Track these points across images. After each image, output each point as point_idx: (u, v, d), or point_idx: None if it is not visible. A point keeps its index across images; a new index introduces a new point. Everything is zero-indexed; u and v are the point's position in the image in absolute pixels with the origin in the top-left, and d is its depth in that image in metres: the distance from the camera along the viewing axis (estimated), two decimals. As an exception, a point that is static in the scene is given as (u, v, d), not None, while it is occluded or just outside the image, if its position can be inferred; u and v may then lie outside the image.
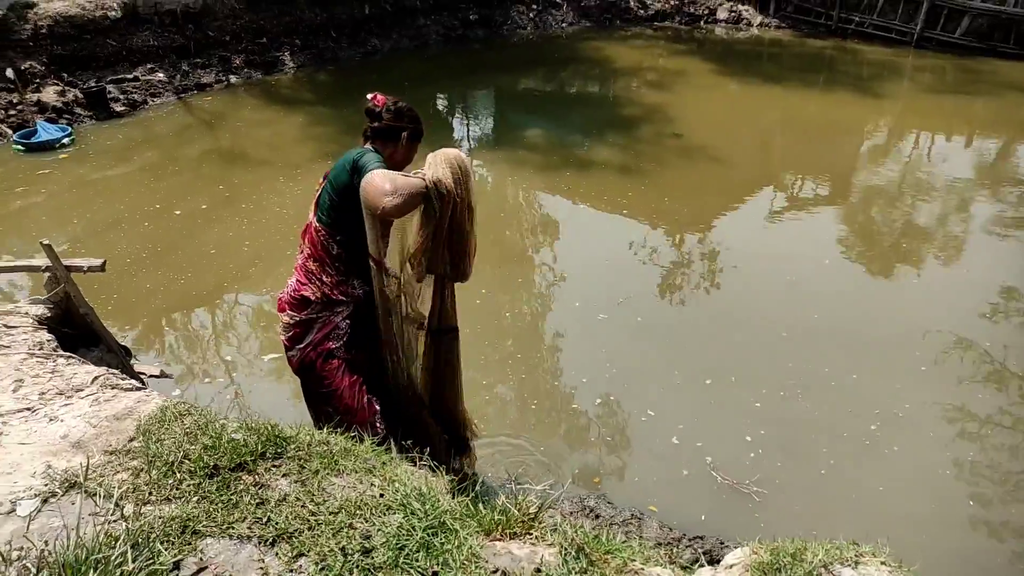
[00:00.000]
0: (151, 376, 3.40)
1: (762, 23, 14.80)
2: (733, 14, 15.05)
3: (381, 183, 2.42)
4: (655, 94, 11.12)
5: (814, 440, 4.15)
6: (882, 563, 1.71)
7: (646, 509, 3.58)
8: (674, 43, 14.10)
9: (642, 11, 15.34)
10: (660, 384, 4.57)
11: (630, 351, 4.93)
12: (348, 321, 2.77)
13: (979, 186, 8.27)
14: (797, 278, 5.95)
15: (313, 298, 2.72)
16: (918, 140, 10.06)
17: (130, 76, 9.80)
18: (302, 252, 2.78)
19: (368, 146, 2.72)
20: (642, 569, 1.76)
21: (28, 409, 2.26)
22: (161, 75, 10.02)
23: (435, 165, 2.55)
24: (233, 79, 10.72)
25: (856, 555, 1.71)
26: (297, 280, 2.78)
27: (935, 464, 4.05)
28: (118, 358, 3.13)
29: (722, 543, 3.44)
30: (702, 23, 15.10)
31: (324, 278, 2.70)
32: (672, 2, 15.44)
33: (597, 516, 3.62)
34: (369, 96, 2.74)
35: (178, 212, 6.74)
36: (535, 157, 8.59)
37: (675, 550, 3.20)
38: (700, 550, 3.25)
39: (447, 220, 2.56)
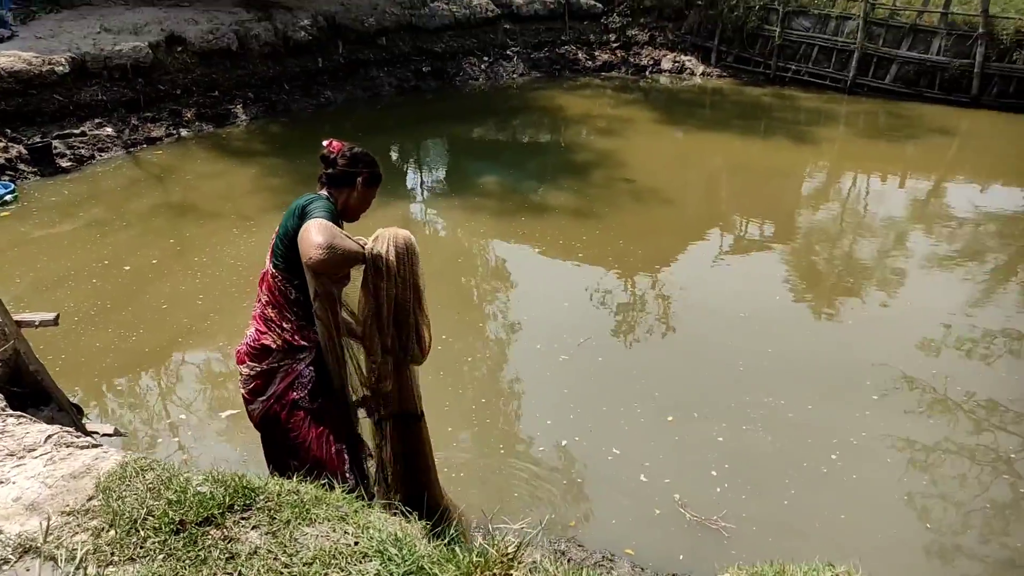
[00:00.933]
0: (104, 435, 3.27)
1: (704, 72, 15.42)
2: (676, 64, 15.65)
3: (316, 234, 2.39)
4: (605, 140, 11.42)
5: (777, 471, 4.21)
6: (857, 585, 1.74)
7: (620, 551, 3.56)
8: (621, 92, 14.56)
9: (589, 62, 15.84)
10: (625, 423, 4.60)
11: (593, 391, 4.96)
12: (312, 368, 2.73)
13: (913, 224, 8.66)
14: (749, 314, 6.10)
15: (274, 346, 2.67)
16: (855, 181, 10.52)
17: (77, 131, 9.63)
18: (259, 300, 2.74)
19: (323, 192, 2.72)
20: (623, 605, 1.76)
21: (-23, 471, 2.15)
22: (109, 129, 9.88)
23: (380, 239, 2.58)
24: (184, 132, 10.63)
25: (834, 575, 1.74)
26: (256, 330, 2.73)
27: (892, 490, 4.15)
28: (70, 417, 3.01)
29: (691, 579, 3.45)
30: (647, 73, 15.65)
31: (284, 324, 2.67)
32: (619, 53, 15.99)
33: (569, 560, 3.59)
34: (324, 143, 2.75)
35: (127, 267, 6.59)
36: (490, 203, 8.69)
37: (649, 590, 3.18)
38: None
39: (387, 298, 2.56)
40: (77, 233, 7.44)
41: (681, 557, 3.56)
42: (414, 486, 2.87)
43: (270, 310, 2.67)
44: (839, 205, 9.50)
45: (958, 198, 9.53)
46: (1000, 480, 4.27)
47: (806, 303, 6.49)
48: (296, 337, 2.66)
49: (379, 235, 2.61)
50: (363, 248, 2.54)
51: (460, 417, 4.62)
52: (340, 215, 2.71)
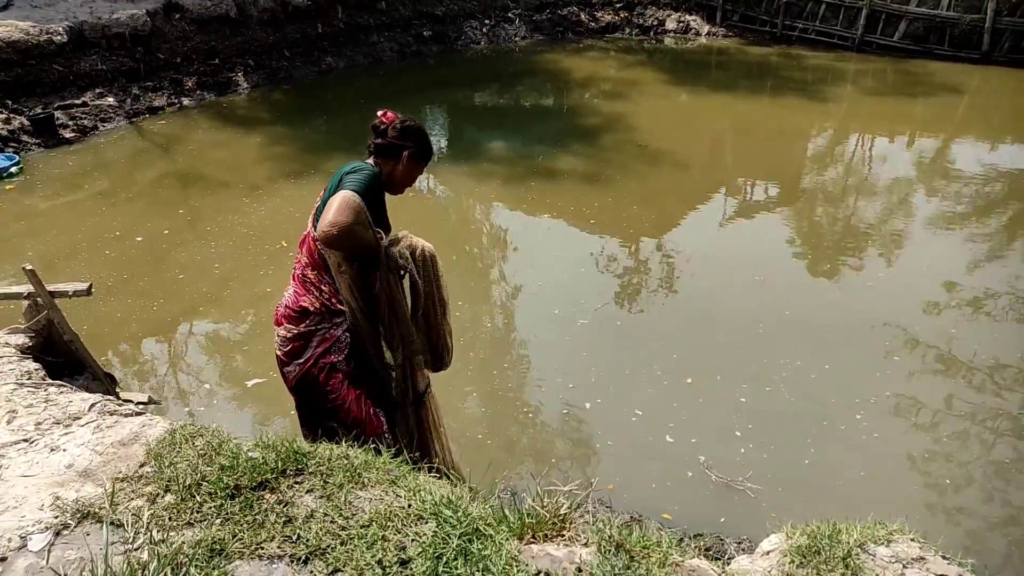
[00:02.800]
0: (139, 403, 3.28)
1: (710, 32, 15.19)
2: (681, 24, 15.41)
3: (335, 211, 2.41)
4: (612, 104, 11.28)
5: (800, 431, 4.24)
6: (911, 540, 1.76)
7: (657, 514, 3.60)
8: (626, 54, 14.35)
9: (593, 24, 15.59)
10: (648, 384, 4.62)
11: (612, 355, 4.97)
12: (348, 334, 2.73)
13: (922, 184, 8.61)
14: (764, 277, 6.09)
15: (312, 308, 2.67)
16: (864, 141, 10.42)
17: (78, 101, 9.51)
18: (299, 262, 2.73)
19: (369, 161, 2.71)
20: (681, 562, 1.77)
21: (25, 440, 2.16)
22: (111, 99, 9.75)
23: (400, 240, 2.65)
24: (186, 101, 10.50)
25: (887, 534, 1.75)
26: (295, 291, 2.72)
27: (913, 447, 4.19)
28: (103, 385, 3.02)
29: (721, 539, 3.49)
30: (652, 34, 15.42)
31: (323, 287, 2.66)
32: (622, 14, 15.73)
33: (595, 520, 3.63)
34: (379, 113, 2.72)
35: (139, 238, 6.55)
36: (499, 169, 8.62)
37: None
38: (702, 545, 3.28)
39: (396, 297, 2.64)
40: (85, 204, 7.39)
41: (723, 520, 3.60)
42: (424, 452, 2.92)
43: (310, 271, 2.66)
44: (847, 166, 9.43)
45: (967, 157, 9.46)
46: (1011, 436, 4.31)
47: (820, 265, 6.48)
48: (334, 300, 2.65)
49: (399, 235, 2.68)
50: (378, 241, 2.57)
51: (481, 383, 4.64)
52: (385, 186, 2.71)
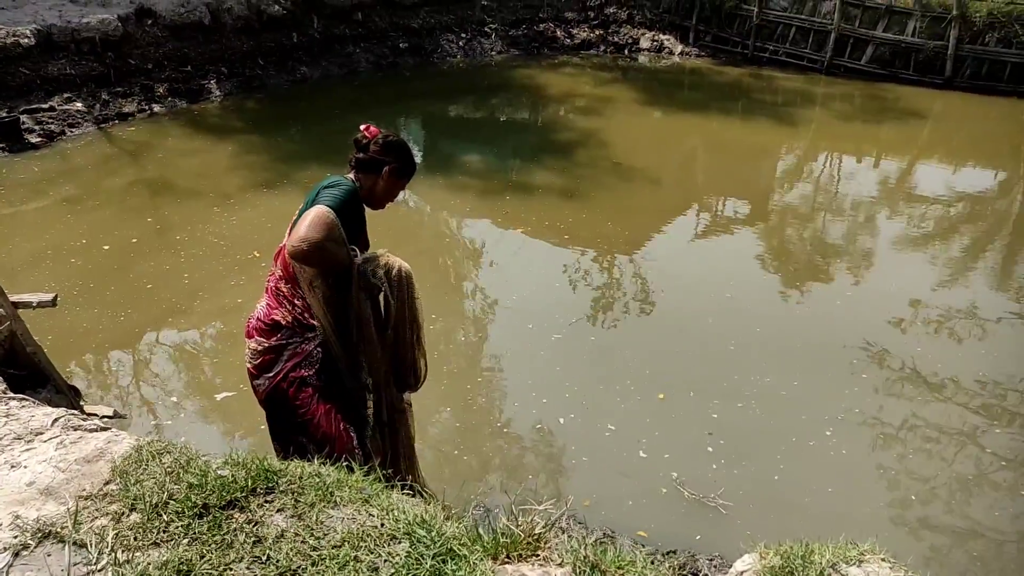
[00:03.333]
0: (104, 417, 3.20)
1: (683, 52, 15.40)
2: (655, 43, 15.61)
3: (307, 226, 2.38)
4: (587, 120, 11.38)
5: (771, 447, 4.28)
6: (882, 559, 1.78)
7: (632, 532, 3.59)
8: (600, 71, 14.48)
9: (568, 40, 15.71)
10: (621, 400, 4.63)
11: (585, 370, 4.99)
12: (320, 349, 2.69)
13: (887, 204, 8.80)
14: (734, 294, 6.16)
15: (284, 322, 2.63)
16: (831, 162, 10.64)
17: (45, 106, 9.32)
18: (273, 275, 2.69)
19: (349, 176, 2.69)
20: (656, 582, 1.77)
21: (-16, 457, 2.09)
22: (79, 104, 9.57)
23: (375, 259, 2.62)
24: (157, 108, 10.34)
25: (859, 554, 1.77)
26: (267, 304, 2.68)
27: (881, 464, 4.26)
28: (67, 398, 2.94)
29: (694, 557, 3.50)
30: (626, 52, 15.59)
31: (296, 301, 2.63)
32: (597, 32, 15.89)
33: (569, 536, 3.62)
34: (361, 126, 2.70)
35: (106, 247, 6.42)
36: (474, 182, 8.63)
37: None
38: (676, 564, 3.29)
39: (364, 316, 2.61)
40: (51, 211, 7.23)
41: (697, 537, 3.61)
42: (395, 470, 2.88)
43: (283, 285, 2.63)
44: (815, 186, 9.62)
45: (930, 179, 9.70)
46: (974, 452, 4.41)
47: (789, 283, 6.58)
48: (306, 315, 2.62)
49: (376, 254, 2.66)
50: (352, 259, 2.55)
51: (454, 397, 4.62)
52: (365, 202, 2.68)
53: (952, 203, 8.82)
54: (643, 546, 3.48)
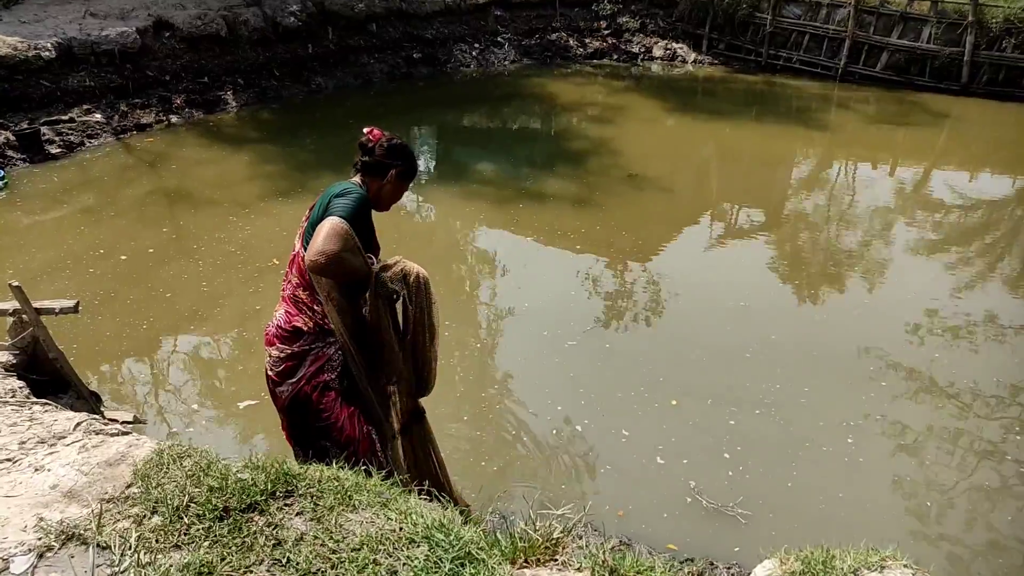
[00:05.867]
0: (124, 422, 3.23)
1: (696, 60, 15.41)
2: (668, 51, 15.62)
3: (324, 239, 2.38)
4: (599, 128, 11.39)
5: (788, 455, 4.25)
6: (904, 566, 1.76)
7: (649, 539, 3.58)
8: (613, 80, 14.52)
9: (580, 50, 15.77)
10: (637, 407, 4.62)
11: (600, 376, 4.98)
12: (341, 352, 2.71)
13: (903, 211, 8.74)
14: (749, 303, 6.13)
15: (306, 328, 2.65)
16: (847, 169, 10.58)
17: (65, 117, 9.45)
18: (289, 283, 2.71)
19: (356, 179, 2.71)
20: (675, 587, 1.77)
21: (9, 460, 2.12)
22: (98, 116, 9.70)
23: (393, 267, 2.65)
24: (174, 119, 10.47)
25: (880, 560, 1.75)
26: (286, 311, 2.70)
27: (899, 471, 4.21)
28: (89, 404, 2.97)
29: (712, 564, 3.48)
30: (639, 60, 15.62)
31: (315, 307, 2.64)
32: (610, 41, 15.93)
33: (587, 544, 3.60)
34: (365, 130, 2.72)
35: (124, 256, 6.49)
36: (487, 190, 8.65)
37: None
38: (695, 571, 3.27)
39: (383, 324, 2.63)
40: (70, 220, 7.32)
41: (715, 544, 3.58)
42: (430, 481, 2.89)
43: (301, 292, 2.65)
44: (830, 193, 9.56)
45: (947, 186, 9.62)
46: (993, 460, 4.35)
47: (805, 291, 6.54)
48: (326, 320, 2.63)
49: (393, 261, 2.68)
50: (370, 267, 2.57)
51: (470, 403, 4.62)
52: (371, 204, 2.70)
53: (969, 210, 8.74)
54: (661, 554, 3.47)
